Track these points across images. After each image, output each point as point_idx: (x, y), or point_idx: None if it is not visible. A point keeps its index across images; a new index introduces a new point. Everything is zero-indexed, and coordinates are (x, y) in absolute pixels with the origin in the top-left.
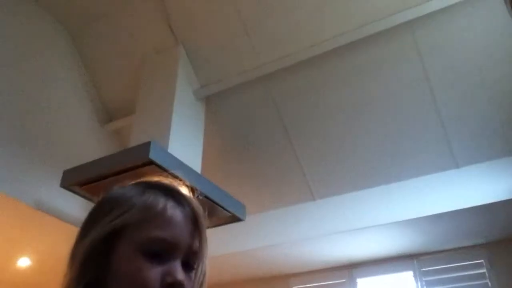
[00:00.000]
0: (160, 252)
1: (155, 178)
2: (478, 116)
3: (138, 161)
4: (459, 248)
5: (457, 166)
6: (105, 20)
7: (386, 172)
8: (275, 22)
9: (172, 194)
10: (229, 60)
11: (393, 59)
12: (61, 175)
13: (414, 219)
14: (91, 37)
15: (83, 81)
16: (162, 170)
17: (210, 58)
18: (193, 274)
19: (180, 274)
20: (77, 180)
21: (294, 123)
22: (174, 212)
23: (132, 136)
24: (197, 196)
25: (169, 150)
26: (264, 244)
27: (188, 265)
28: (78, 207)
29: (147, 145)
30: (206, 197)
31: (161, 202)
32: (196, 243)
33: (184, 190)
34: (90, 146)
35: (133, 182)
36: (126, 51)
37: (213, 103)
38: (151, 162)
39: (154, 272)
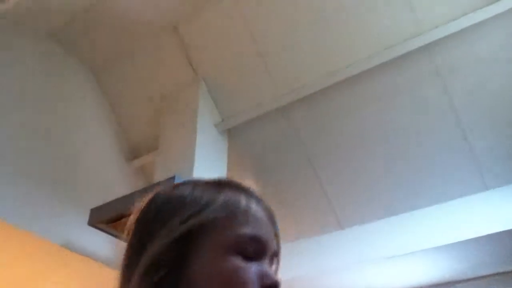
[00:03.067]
0: (252, 251)
1: (211, 178)
2: (506, 135)
3: None
4: (497, 273)
5: (486, 188)
6: (127, 59)
7: (415, 198)
8: (293, 52)
9: (246, 191)
10: (249, 92)
11: (413, 83)
12: (88, 213)
13: (448, 245)
14: (114, 76)
15: (107, 119)
16: None
17: (230, 91)
18: None
19: (275, 276)
20: (104, 218)
21: (318, 151)
22: (257, 209)
23: (156, 171)
24: None
25: None
26: (292, 276)
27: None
28: (106, 245)
29: (171, 180)
30: None
31: (243, 199)
32: (275, 243)
33: None
34: (116, 183)
35: (184, 181)
36: (149, 88)
37: (235, 135)
38: None
39: (252, 273)
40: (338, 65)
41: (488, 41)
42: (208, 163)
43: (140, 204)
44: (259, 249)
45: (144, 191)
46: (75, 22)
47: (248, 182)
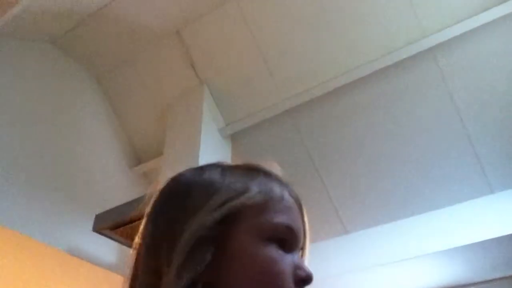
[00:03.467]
0: (285, 241)
1: (243, 162)
2: (510, 137)
3: None
4: (506, 277)
5: (491, 191)
6: (130, 65)
7: (420, 201)
8: (296, 56)
9: (278, 179)
10: (253, 97)
11: (417, 86)
12: (92, 219)
13: (455, 248)
14: (117, 82)
15: (111, 125)
16: None
17: (233, 96)
18: None
19: (309, 268)
20: (108, 224)
21: (322, 155)
22: (289, 198)
23: (160, 177)
24: None
25: None
26: None
27: None
28: (110, 251)
29: None
30: None
31: (276, 187)
32: (303, 234)
33: None
34: (120, 189)
35: (208, 164)
36: (152, 94)
37: (239, 140)
38: None
39: (287, 264)
40: (341, 69)
41: (492, 43)
42: None
43: (158, 186)
44: (292, 240)
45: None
46: (78, 29)
47: (277, 168)
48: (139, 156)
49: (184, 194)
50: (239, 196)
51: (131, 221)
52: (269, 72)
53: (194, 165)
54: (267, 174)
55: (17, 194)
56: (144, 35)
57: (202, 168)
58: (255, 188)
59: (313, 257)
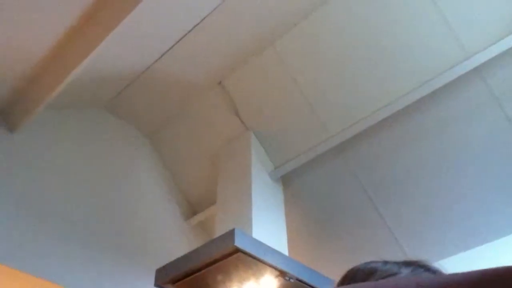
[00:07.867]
0: None
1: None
2: None
3: (225, 251)
4: None
5: None
6: (177, 120)
7: (482, 232)
8: (338, 92)
9: (432, 269)
10: (299, 137)
11: (469, 109)
12: (153, 274)
13: None
14: (167, 137)
15: (164, 179)
16: (250, 257)
17: (280, 139)
18: None
19: None
20: (170, 278)
21: (377, 189)
22: None
23: (216, 226)
24: (289, 280)
25: (253, 235)
26: None
27: None
28: None
29: (231, 234)
30: (297, 279)
31: (428, 274)
32: None
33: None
34: (177, 242)
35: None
36: (201, 144)
37: (290, 181)
38: (237, 250)
39: None
40: (386, 100)
41: None
42: (266, 212)
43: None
44: None
45: (207, 246)
46: (126, 91)
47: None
48: (193, 207)
49: (352, 277)
50: (388, 277)
51: (192, 272)
52: (312, 111)
53: (247, 211)
54: (423, 265)
55: (78, 254)
56: (189, 89)
57: (369, 262)
58: (405, 271)
59: None
